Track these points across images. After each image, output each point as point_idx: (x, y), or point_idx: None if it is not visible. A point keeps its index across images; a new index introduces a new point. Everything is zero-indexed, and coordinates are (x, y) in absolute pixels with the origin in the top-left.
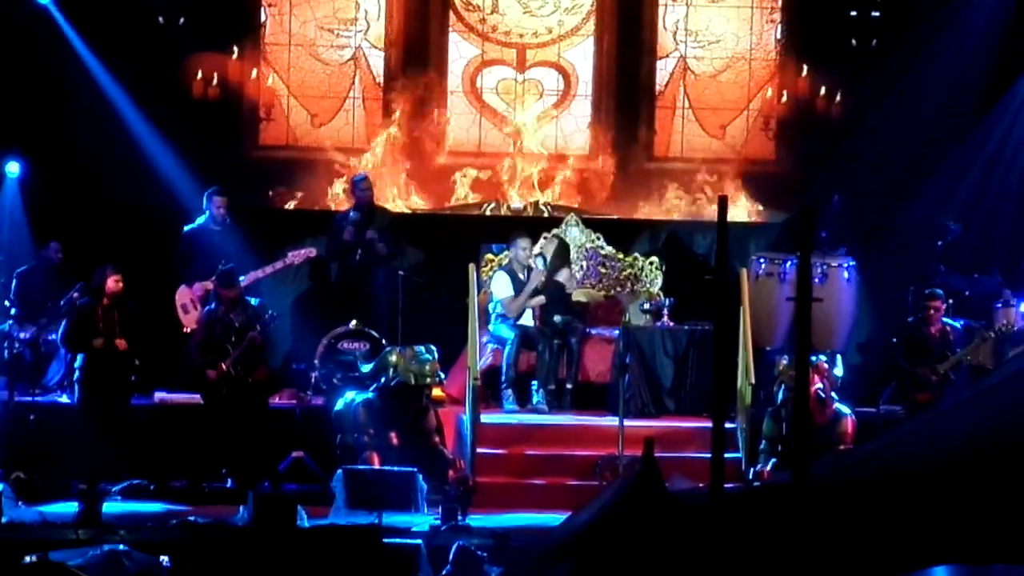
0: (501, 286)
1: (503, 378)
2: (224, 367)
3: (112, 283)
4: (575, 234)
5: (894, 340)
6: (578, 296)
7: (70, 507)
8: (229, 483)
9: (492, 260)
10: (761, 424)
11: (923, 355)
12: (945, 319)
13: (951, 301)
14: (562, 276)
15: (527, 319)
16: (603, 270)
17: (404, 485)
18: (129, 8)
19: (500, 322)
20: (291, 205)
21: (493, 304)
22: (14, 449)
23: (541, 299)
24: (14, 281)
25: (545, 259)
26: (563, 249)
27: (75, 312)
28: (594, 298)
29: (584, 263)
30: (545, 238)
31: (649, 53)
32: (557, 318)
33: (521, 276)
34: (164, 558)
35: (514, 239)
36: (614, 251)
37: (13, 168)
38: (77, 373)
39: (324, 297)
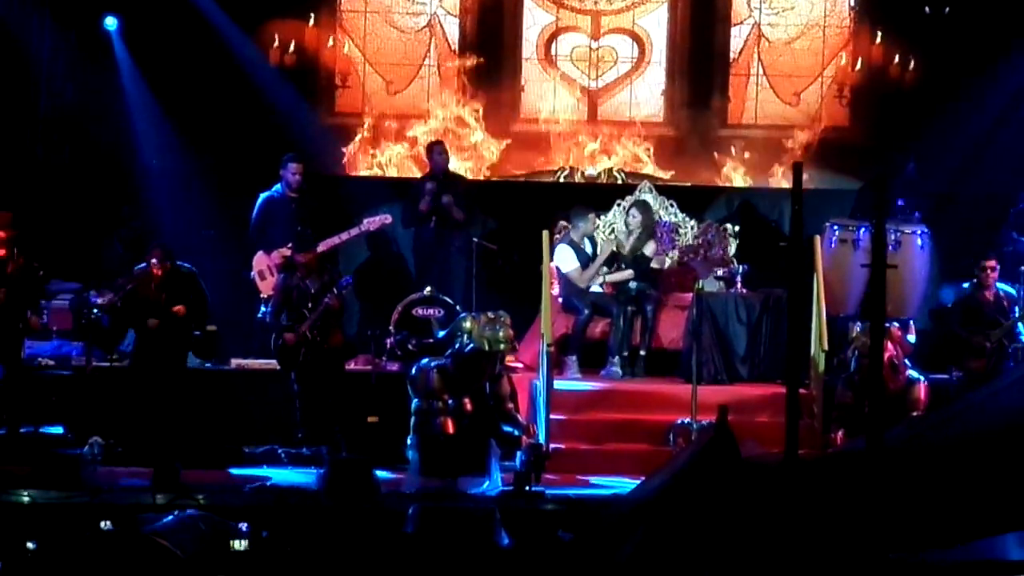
0: (566, 260)
1: (570, 345)
2: (302, 332)
3: (153, 268)
4: (648, 201)
5: (951, 309)
6: (652, 263)
7: (147, 471)
8: (305, 448)
9: (566, 227)
10: (834, 391)
11: (978, 322)
12: (1000, 285)
13: (1023, 268)
14: (648, 249)
15: (597, 287)
16: (677, 237)
17: (478, 451)
18: None
19: (571, 291)
20: (366, 172)
21: (560, 275)
22: (92, 414)
23: (629, 273)
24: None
25: (635, 230)
26: (649, 218)
27: (131, 281)
28: (668, 265)
29: (658, 230)
30: (619, 205)
31: (723, 20)
32: (632, 284)
33: (584, 247)
34: (243, 524)
35: (577, 211)
36: (688, 218)
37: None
38: (131, 346)
39: (398, 264)
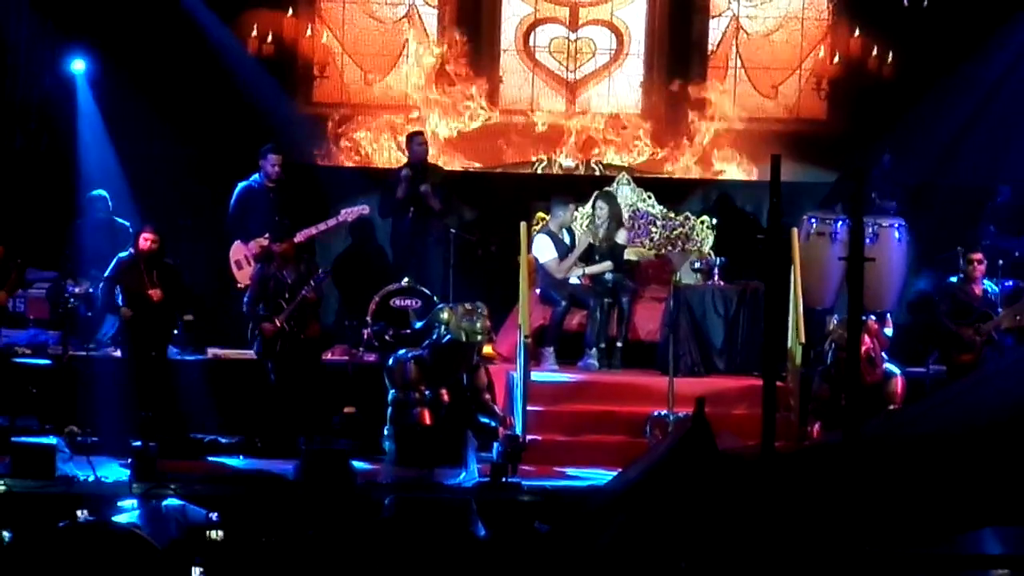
0: (544, 250)
1: (547, 337)
2: (278, 322)
3: (143, 241)
4: (626, 193)
5: (938, 302)
6: (629, 255)
7: (123, 462)
8: (281, 438)
9: (543, 219)
10: (811, 383)
11: (966, 315)
12: (985, 280)
13: (1001, 262)
14: (620, 237)
15: (575, 278)
16: (654, 229)
17: (454, 441)
18: None
19: (548, 282)
20: (347, 162)
21: (537, 265)
22: (67, 403)
23: (608, 264)
24: (69, 236)
25: (603, 221)
26: (617, 208)
27: (117, 264)
28: (645, 257)
29: (635, 222)
30: (594, 197)
31: (702, 12)
32: (609, 276)
33: (562, 238)
34: (214, 514)
35: (556, 202)
36: (665, 210)
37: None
38: (121, 328)
39: (376, 254)
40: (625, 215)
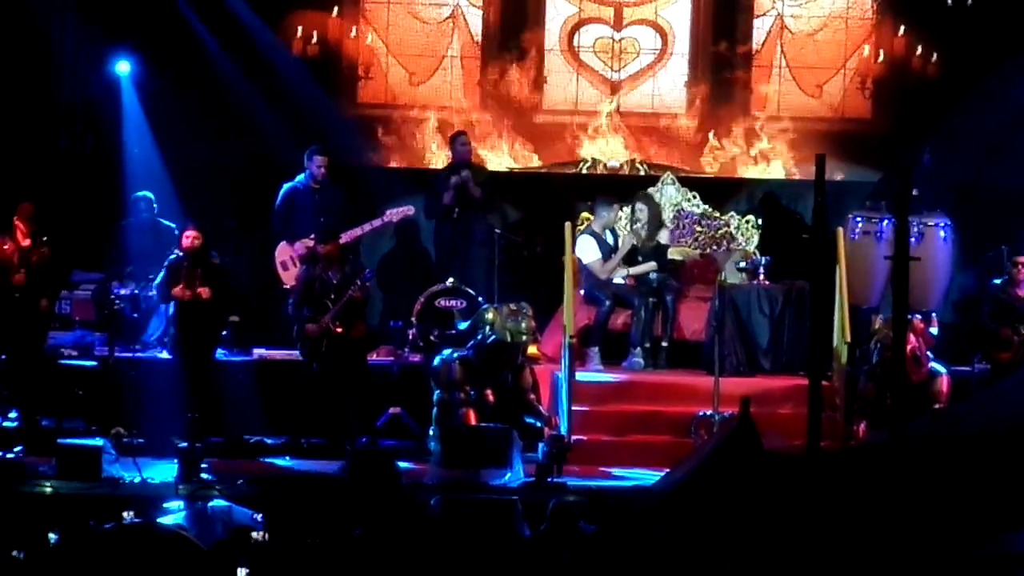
0: (588, 250)
1: (591, 336)
2: (324, 323)
3: (185, 240)
4: (671, 192)
5: (983, 301)
6: (673, 254)
7: (169, 463)
8: (327, 439)
9: (588, 219)
10: (857, 383)
11: (1008, 315)
12: None
13: None
14: (663, 237)
15: (619, 278)
16: (699, 228)
17: (500, 442)
18: None
19: (593, 283)
20: (392, 163)
21: (582, 266)
22: (114, 405)
23: (652, 265)
24: (115, 236)
25: (644, 223)
26: (657, 209)
27: (167, 266)
28: (690, 256)
29: (679, 222)
30: (633, 199)
31: (746, 11)
32: (653, 275)
33: (606, 238)
34: (259, 515)
35: (599, 202)
36: (710, 209)
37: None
38: (171, 329)
39: (421, 255)
40: (669, 215)
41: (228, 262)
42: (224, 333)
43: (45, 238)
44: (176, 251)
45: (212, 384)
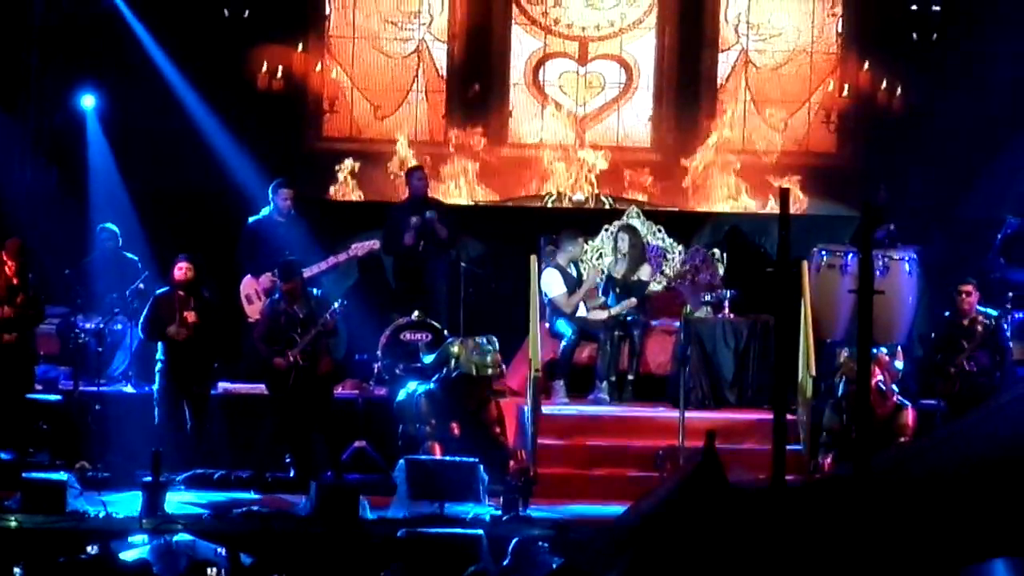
0: (553, 284)
1: (557, 370)
2: (291, 357)
3: (177, 271)
4: (636, 226)
5: (932, 335)
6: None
7: (134, 497)
8: (292, 473)
9: (553, 251)
10: (822, 416)
11: (953, 347)
12: (981, 308)
13: (1011, 294)
14: (643, 273)
15: (582, 311)
16: (664, 262)
17: (465, 476)
18: (195, 1)
19: (557, 316)
20: (354, 197)
21: (547, 300)
22: (78, 439)
23: (632, 302)
24: (78, 271)
25: (625, 255)
26: (639, 242)
27: (153, 301)
28: (655, 290)
29: (648, 254)
30: (607, 230)
31: (711, 46)
32: (616, 310)
33: (570, 271)
34: (222, 550)
35: (564, 235)
36: (675, 243)
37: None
38: (158, 364)
39: (384, 288)
40: None
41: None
42: (216, 366)
43: (31, 276)
44: (141, 286)
45: (211, 418)
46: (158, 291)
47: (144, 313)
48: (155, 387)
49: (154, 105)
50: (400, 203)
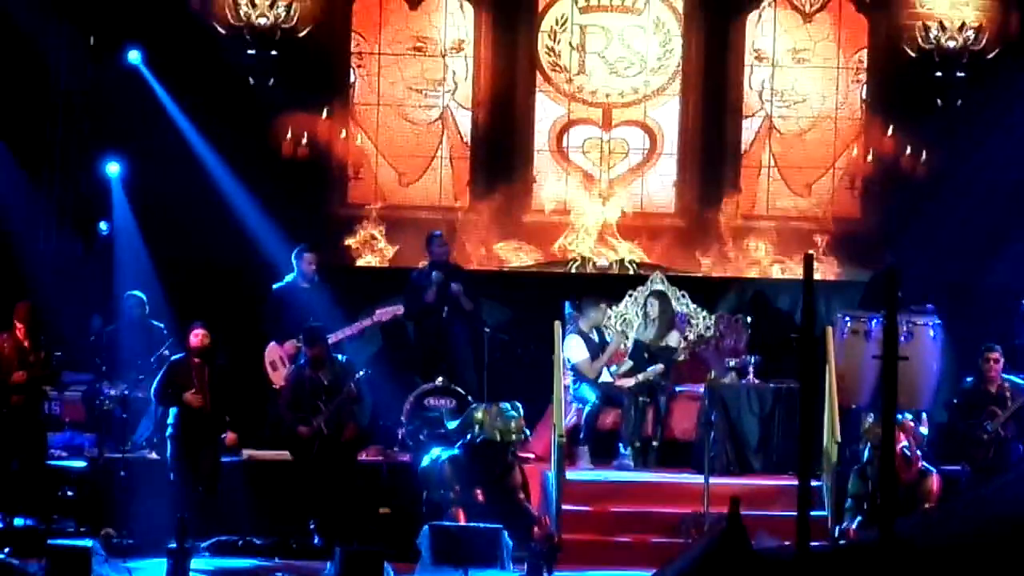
0: (575, 349)
1: (580, 436)
2: (317, 425)
3: (193, 338)
4: (665, 292)
5: (955, 401)
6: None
7: (159, 564)
8: (316, 539)
9: (575, 319)
10: (847, 482)
11: (980, 412)
12: (1007, 376)
13: None
14: (672, 340)
15: (607, 376)
16: (688, 328)
17: (490, 542)
18: (220, 70)
19: (580, 381)
20: (379, 264)
21: (570, 366)
22: (103, 506)
23: (660, 368)
24: (102, 338)
25: (655, 321)
26: (668, 308)
27: (168, 367)
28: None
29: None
30: (631, 295)
31: (735, 112)
32: (644, 376)
33: (593, 337)
34: None
35: (587, 302)
36: (699, 308)
37: (102, 225)
38: (170, 428)
39: (410, 354)
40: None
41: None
42: (223, 437)
43: (43, 337)
44: (166, 352)
45: (214, 487)
46: (173, 357)
47: (158, 379)
48: (168, 454)
49: (178, 171)
50: (421, 269)
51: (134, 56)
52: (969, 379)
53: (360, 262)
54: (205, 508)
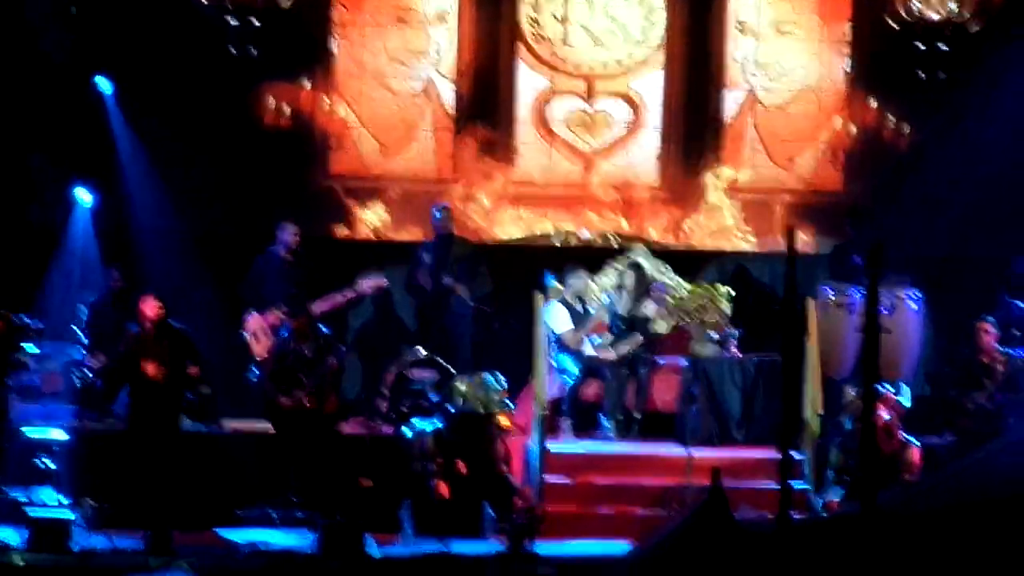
0: (559, 319)
1: (563, 407)
2: (299, 397)
3: (145, 308)
4: (642, 263)
5: (947, 370)
6: (657, 327)
7: (140, 535)
8: (298, 512)
9: (559, 290)
10: (828, 454)
11: (971, 383)
12: (999, 346)
13: (1018, 333)
14: (648, 309)
15: (589, 349)
16: (671, 300)
17: (471, 513)
18: (202, 39)
19: (562, 353)
20: (361, 236)
21: (554, 337)
22: (85, 477)
23: (639, 339)
24: (86, 310)
25: (631, 292)
26: (643, 279)
27: (126, 342)
28: (661, 328)
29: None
30: (616, 268)
31: (718, 85)
32: (623, 349)
33: (576, 308)
34: None
35: (569, 270)
36: (682, 281)
37: (85, 197)
38: (127, 401)
39: (397, 326)
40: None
41: (189, 329)
42: (186, 402)
43: (2, 311)
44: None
45: (180, 455)
46: (130, 330)
47: (117, 352)
48: (126, 426)
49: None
50: (425, 242)
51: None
52: (965, 350)
53: (343, 234)
54: (184, 480)
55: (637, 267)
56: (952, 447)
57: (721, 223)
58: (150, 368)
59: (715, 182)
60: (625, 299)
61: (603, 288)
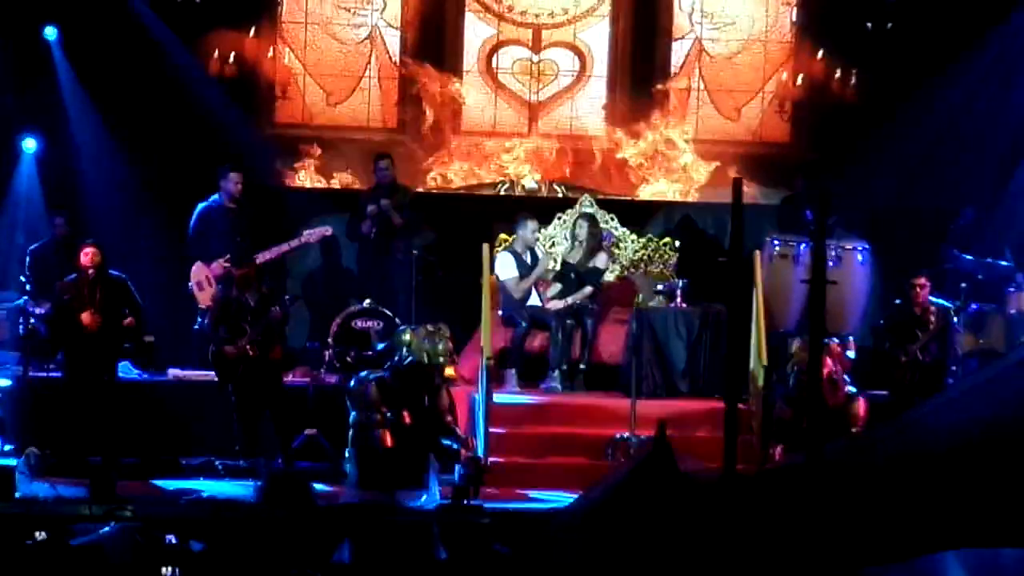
0: (506, 267)
1: (508, 358)
2: (242, 346)
3: (83, 257)
4: (594, 214)
5: (880, 322)
6: (609, 278)
7: (83, 482)
8: (242, 461)
9: (506, 240)
10: (774, 406)
11: (904, 337)
12: (933, 299)
13: (964, 285)
14: (599, 261)
15: (535, 300)
16: (616, 251)
17: (416, 464)
18: None
19: (510, 304)
20: (306, 184)
21: (500, 285)
22: (29, 425)
23: (588, 290)
24: (27, 257)
25: (583, 243)
26: (598, 231)
27: (60, 289)
28: (608, 279)
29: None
30: (560, 218)
31: (664, 34)
32: (571, 300)
33: (525, 258)
34: (170, 536)
35: (520, 220)
36: (628, 232)
37: (30, 144)
38: (64, 350)
39: (343, 275)
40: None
41: (126, 277)
42: (127, 346)
43: None
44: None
45: (120, 403)
46: (68, 277)
47: (54, 300)
48: (63, 375)
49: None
50: (366, 190)
51: None
52: (898, 301)
53: (287, 182)
54: (125, 428)
55: (590, 218)
56: (887, 400)
57: (667, 174)
58: (85, 317)
59: (662, 133)
60: (578, 250)
61: (551, 239)
